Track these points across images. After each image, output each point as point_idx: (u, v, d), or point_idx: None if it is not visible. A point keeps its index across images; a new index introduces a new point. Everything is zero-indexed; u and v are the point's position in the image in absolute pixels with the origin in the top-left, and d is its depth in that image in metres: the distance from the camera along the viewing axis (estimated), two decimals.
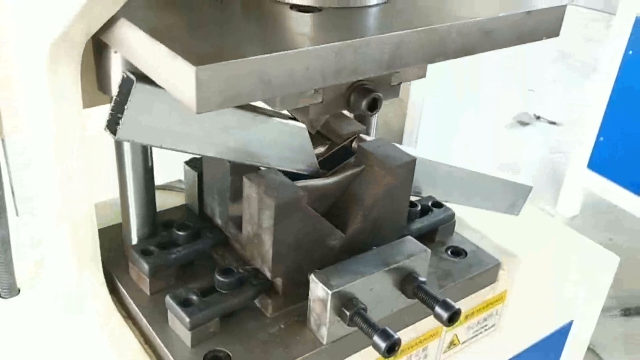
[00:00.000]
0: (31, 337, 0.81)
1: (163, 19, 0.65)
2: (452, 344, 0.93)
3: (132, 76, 0.65)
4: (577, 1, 5.20)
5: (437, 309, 0.76)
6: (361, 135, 0.88)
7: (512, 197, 1.02)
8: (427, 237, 0.93)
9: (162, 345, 0.75)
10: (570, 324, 1.17)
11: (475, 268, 0.91)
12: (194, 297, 0.76)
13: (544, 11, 0.76)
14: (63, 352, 0.78)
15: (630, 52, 2.50)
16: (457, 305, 0.76)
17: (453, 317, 0.75)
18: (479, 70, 3.54)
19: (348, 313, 0.73)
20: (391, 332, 0.71)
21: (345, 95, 0.74)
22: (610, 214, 2.83)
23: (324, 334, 0.76)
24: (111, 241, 0.88)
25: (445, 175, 0.95)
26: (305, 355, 0.75)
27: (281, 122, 0.78)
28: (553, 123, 3.80)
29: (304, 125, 0.80)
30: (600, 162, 2.71)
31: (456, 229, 0.98)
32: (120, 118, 0.66)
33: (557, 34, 0.78)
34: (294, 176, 0.80)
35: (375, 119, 1.04)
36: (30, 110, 0.70)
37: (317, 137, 0.92)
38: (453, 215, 0.96)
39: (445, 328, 0.90)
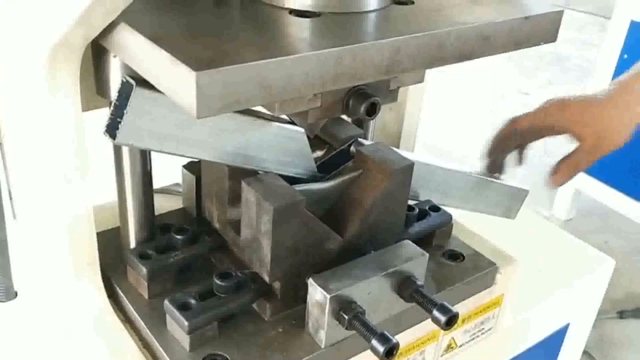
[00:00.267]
0: (29, 341, 0.81)
1: (163, 23, 0.65)
2: (449, 347, 0.94)
3: (131, 80, 0.65)
4: (572, 5, 5.22)
5: (435, 313, 0.76)
6: (359, 139, 0.89)
7: (508, 200, 1.02)
8: (424, 240, 0.93)
9: (160, 349, 0.75)
10: (566, 326, 1.18)
11: (472, 272, 0.91)
12: (193, 301, 0.76)
13: (541, 16, 0.76)
14: (61, 356, 0.78)
15: (626, 55, 2.51)
16: (454, 308, 0.76)
17: (451, 321, 0.76)
18: (475, 74, 3.55)
19: (346, 317, 0.73)
20: (389, 335, 0.71)
21: (344, 100, 0.74)
22: (605, 217, 2.84)
23: (322, 337, 0.76)
24: (109, 245, 0.88)
25: (441, 179, 0.95)
26: (304, 359, 0.75)
27: (280, 126, 0.79)
28: None
29: (302, 130, 0.81)
30: (595, 166, 2.72)
31: (453, 232, 0.98)
32: (120, 122, 0.66)
33: (554, 39, 0.78)
34: (291, 180, 0.80)
35: (373, 124, 1.05)
36: (28, 114, 0.70)
37: (315, 141, 0.92)
38: (450, 218, 0.97)
39: (442, 331, 0.90)
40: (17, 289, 0.87)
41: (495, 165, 1.02)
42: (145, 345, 0.79)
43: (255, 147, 0.77)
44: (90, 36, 0.64)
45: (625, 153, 2.72)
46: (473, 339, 0.96)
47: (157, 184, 0.92)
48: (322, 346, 0.76)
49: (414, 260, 0.80)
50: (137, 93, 0.65)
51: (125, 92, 0.66)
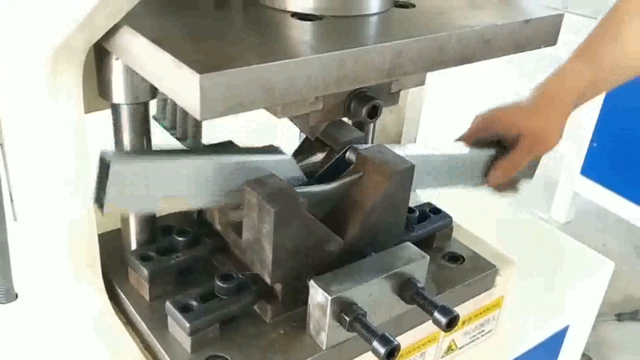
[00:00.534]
0: (29, 343, 0.81)
1: (166, 26, 0.65)
2: (449, 349, 0.94)
3: (107, 158, 0.67)
4: (570, 8, 5.24)
5: (436, 314, 0.76)
6: (354, 145, 0.89)
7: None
8: (424, 243, 0.93)
9: (161, 350, 0.76)
10: (565, 329, 1.18)
11: (472, 274, 0.91)
12: (194, 303, 0.76)
13: (541, 20, 0.76)
14: (61, 357, 0.78)
15: None
16: (455, 310, 0.76)
17: (452, 322, 0.76)
18: (475, 77, 3.56)
19: (347, 318, 0.74)
20: (390, 337, 0.71)
21: (345, 103, 0.75)
22: (603, 219, 2.85)
23: (323, 339, 0.76)
24: (110, 247, 0.88)
25: (444, 166, 0.94)
26: None
27: (264, 160, 0.79)
28: None
29: (288, 157, 0.82)
30: (593, 168, 2.73)
31: (453, 234, 0.98)
32: (104, 197, 0.68)
33: (554, 43, 0.79)
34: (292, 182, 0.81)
35: (373, 126, 1.05)
36: (29, 116, 0.70)
37: (316, 144, 0.92)
38: (451, 221, 0.97)
39: (443, 333, 0.90)
40: (18, 291, 0.87)
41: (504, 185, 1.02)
42: (146, 347, 0.79)
43: (239, 180, 0.77)
44: (93, 39, 0.65)
45: (623, 156, 2.73)
46: (473, 340, 0.97)
47: None
48: (323, 348, 0.76)
49: (415, 262, 0.80)
50: (114, 169, 0.67)
51: (103, 169, 0.68)
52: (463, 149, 0.98)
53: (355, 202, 0.83)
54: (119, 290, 0.85)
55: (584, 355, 1.81)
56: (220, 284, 0.77)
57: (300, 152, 0.97)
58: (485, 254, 0.95)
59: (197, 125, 1.06)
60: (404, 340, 0.84)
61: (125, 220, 0.86)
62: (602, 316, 2.24)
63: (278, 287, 0.80)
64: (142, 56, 0.61)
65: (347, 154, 0.87)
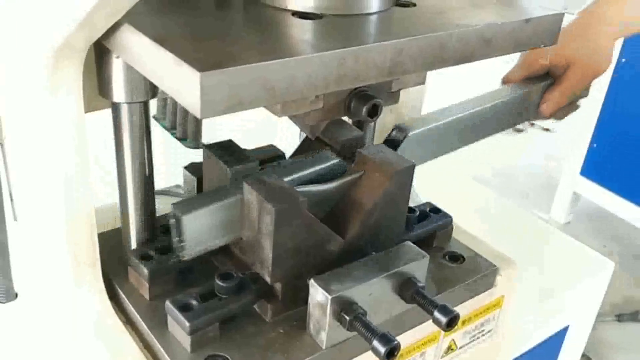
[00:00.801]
0: (29, 342, 0.81)
1: (166, 25, 0.65)
2: (449, 349, 0.94)
3: (178, 214, 0.73)
4: (570, 9, 5.24)
5: (436, 314, 0.76)
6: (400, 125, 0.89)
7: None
8: (425, 242, 0.93)
9: (161, 349, 0.75)
10: (565, 329, 1.18)
11: (473, 273, 0.91)
12: (194, 302, 0.76)
13: (542, 19, 0.76)
14: (61, 357, 0.78)
15: (624, 59, 2.52)
16: (455, 310, 0.76)
17: (452, 322, 0.76)
18: (474, 77, 3.56)
19: (347, 318, 0.74)
20: (391, 336, 0.71)
21: (346, 101, 0.75)
22: (603, 220, 2.85)
23: (323, 338, 0.76)
24: (110, 246, 0.88)
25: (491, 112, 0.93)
26: None
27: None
28: (547, 130, 3.82)
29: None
30: (593, 169, 2.73)
31: (453, 234, 0.98)
32: (183, 246, 0.75)
33: (555, 42, 0.79)
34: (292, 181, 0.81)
35: (373, 125, 1.05)
36: (30, 114, 0.70)
37: (316, 143, 0.92)
38: (451, 220, 0.97)
39: (443, 333, 0.90)
40: (18, 290, 0.87)
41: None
42: (146, 346, 0.79)
43: None
44: (93, 38, 0.65)
45: (623, 156, 2.74)
46: (473, 340, 0.97)
47: (158, 185, 0.93)
48: (323, 347, 0.76)
49: (415, 262, 0.80)
50: (186, 220, 0.73)
51: (177, 222, 0.73)
52: (511, 89, 0.97)
53: (356, 201, 0.83)
54: (118, 290, 0.85)
55: (583, 355, 1.81)
56: (220, 283, 0.77)
57: (301, 152, 0.97)
58: (485, 253, 0.95)
59: (198, 124, 1.06)
60: (404, 339, 0.84)
61: (125, 220, 0.86)
62: (602, 317, 2.24)
63: (278, 286, 0.80)
64: (142, 54, 0.61)
65: (394, 132, 0.87)
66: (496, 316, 0.98)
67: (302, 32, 0.67)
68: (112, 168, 0.83)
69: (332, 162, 0.86)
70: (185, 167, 0.95)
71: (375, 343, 0.71)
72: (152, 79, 0.61)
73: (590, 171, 2.72)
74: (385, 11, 0.74)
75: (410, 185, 0.85)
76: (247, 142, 0.97)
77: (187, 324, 0.73)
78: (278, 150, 1.00)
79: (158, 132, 1.03)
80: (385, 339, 0.71)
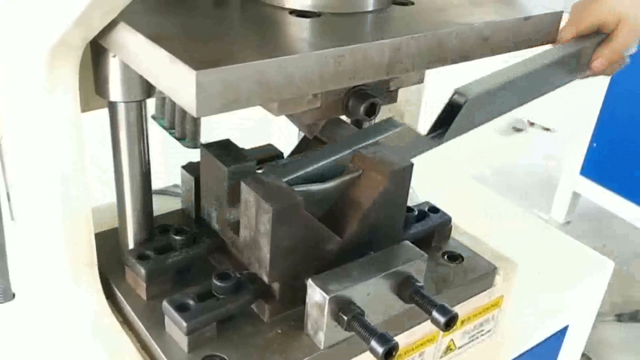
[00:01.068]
0: (26, 343, 0.80)
1: (162, 23, 0.65)
2: (448, 349, 0.93)
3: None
4: (569, 8, 5.23)
5: (435, 314, 0.76)
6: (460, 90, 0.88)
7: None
8: (423, 242, 0.93)
9: (158, 350, 0.75)
10: (565, 329, 1.18)
11: (471, 273, 0.91)
12: (191, 302, 0.76)
13: (541, 17, 0.76)
14: (58, 357, 0.78)
15: None
16: (453, 310, 0.76)
17: (450, 322, 0.75)
18: (474, 76, 3.55)
19: (345, 318, 0.73)
20: (389, 336, 0.71)
21: (343, 100, 0.74)
22: (603, 220, 2.84)
23: (321, 339, 0.75)
24: (107, 246, 0.87)
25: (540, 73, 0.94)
26: None
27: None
28: (547, 129, 3.82)
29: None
30: (593, 169, 2.72)
31: (452, 234, 0.98)
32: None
33: (554, 40, 0.78)
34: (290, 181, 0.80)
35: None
36: (26, 112, 0.69)
37: (314, 143, 0.92)
38: (449, 220, 0.96)
39: (441, 333, 0.90)
40: (15, 291, 0.87)
41: None
42: (143, 346, 0.79)
43: None
44: (90, 36, 0.64)
45: (623, 156, 2.73)
46: (472, 340, 0.96)
47: (156, 184, 0.92)
48: (321, 347, 0.76)
49: (414, 261, 0.79)
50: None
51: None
52: (563, 47, 0.97)
53: (354, 201, 0.83)
54: (115, 290, 0.84)
55: (583, 355, 1.81)
56: (217, 283, 0.77)
57: (299, 151, 0.96)
58: (484, 253, 0.95)
59: (196, 124, 1.06)
60: (403, 339, 0.84)
61: (122, 219, 0.86)
62: (602, 316, 2.24)
63: (276, 286, 0.79)
64: (138, 53, 0.61)
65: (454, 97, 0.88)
66: (495, 316, 0.97)
67: (300, 30, 0.67)
68: (109, 167, 0.83)
69: (398, 129, 0.88)
70: (183, 167, 0.94)
71: (373, 343, 0.71)
72: (148, 77, 0.61)
73: (590, 171, 2.72)
74: (384, 9, 0.74)
75: (409, 184, 0.85)
76: (246, 141, 0.96)
77: (185, 324, 0.73)
78: (276, 149, 1.00)
79: (157, 132, 1.02)
80: (384, 339, 0.71)
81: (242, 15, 0.70)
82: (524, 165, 3.32)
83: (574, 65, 0.97)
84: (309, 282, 0.75)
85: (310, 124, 0.77)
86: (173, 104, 1.03)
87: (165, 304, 0.75)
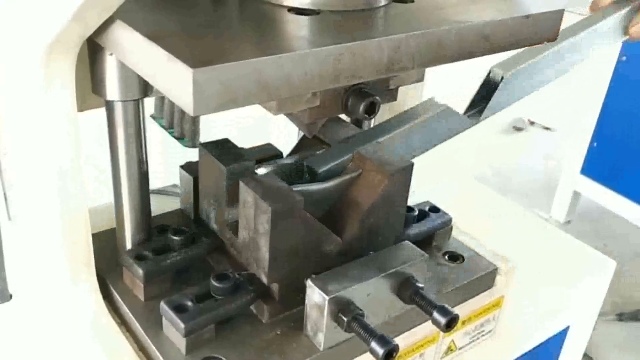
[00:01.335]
0: (23, 343, 0.80)
1: (159, 21, 0.64)
2: (449, 349, 0.93)
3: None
4: (570, 7, 5.23)
5: (435, 315, 0.75)
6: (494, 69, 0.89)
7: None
8: (423, 242, 0.92)
9: (156, 351, 0.74)
10: (567, 329, 1.17)
11: (472, 273, 0.90)
12: (189, 303, 0.75)
13: (542, 15, 0.75)
14: (56, 358, 0.77)
15: (624, 58, 2.51)
16: (454, 310, 0.75)
17: (451, 323, 0.75)
18: (474, 75, 3.55)
19: (345, 319, 0.73)
20: (389, 338, 0.70)
21: (343, 99, 0.74)
22: (604, 219, 2.84)
23: (320, 340, 0.75)
24: (105, 246, 0.87)
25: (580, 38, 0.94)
26: None
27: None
28: (547, 128, 3.81)
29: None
30: (593, 168, 2.72)
31: (452, 234, 0.97)
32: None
33: (554, 38, 0.78)
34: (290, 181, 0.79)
35: (371, 124, 1.04)
36: (23, 111, 0.69)
37: (314, 142, 0.91)
38: (450, 220, 0.96)
39: (442, 334, 0.89)
40: (12, 291, 0.86)
41: None
42: (141, 348, 0.78)
43: None
44: (86, 34, 0.64)
45: (623, 156, 2.72)
46: (473, 341, 0.96)
47: (155, 184, 0.92)
48: (321, 349, 0.75)
49: (414, 262, 0.79)
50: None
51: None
52: (601, 15, 0.96)
53: (354, 201, 0.82)
54: (113, 291, 0.83)
55: (585, 355, 1.80)
56: (215, 283, 0.76)
57: (298, 151, 0.96)
58: (485, 253, 0.94)
59: (195, 123, 1.05)
60: (403, 340, 0.83)
61: (120, 220, 0.85)
62: (603, 316, 2.23)
63: (275, 287, 0.79)
64: (135, 51, 0.60)
65: (491, 74, 0.88)
66: (496, 316, 0.97)
67: (298, 28, 0.66)
68: (107, 167, 0.82)
69: (439, 110, 0.90)
70: (182, 167, 0.94)
71: (374, 344, 0.70)
72: (145, 76, 0.60)
73: (590, 170, 2.71)
74: (383, 7, 0.73)
75: (409, 184, 0.84)
76: (245, 140, 0.96)
77: (182, 326, 0.72)
78: (276, 149, 0.99)
79: (156, 131, 1.02)
80: (384, 340, 0.70)
81: (240, 13, 0.69)
82: (524, 164, 3.32)
83: (612, 32, 0.97)
84: (309, 282, 0.74)
85: (309, 123, 0.76)
86: (172, 103, 1.03)
87: (162, 305, 0.75)
